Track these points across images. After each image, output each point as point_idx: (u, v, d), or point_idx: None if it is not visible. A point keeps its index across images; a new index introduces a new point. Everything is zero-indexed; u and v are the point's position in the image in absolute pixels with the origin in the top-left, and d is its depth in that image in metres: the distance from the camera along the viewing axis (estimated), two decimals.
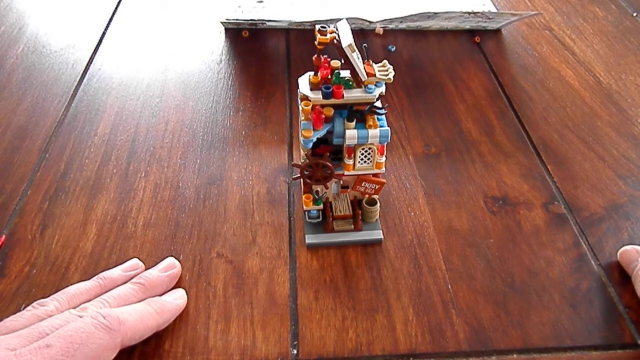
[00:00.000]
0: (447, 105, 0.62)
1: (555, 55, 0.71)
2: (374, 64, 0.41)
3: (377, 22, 0.70)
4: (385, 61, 0.42)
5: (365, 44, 0.41)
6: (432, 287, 0.43)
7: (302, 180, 0.45)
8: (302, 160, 0.44)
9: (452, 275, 0.44)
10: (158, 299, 0.40)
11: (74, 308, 0.37)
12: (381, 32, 0.45)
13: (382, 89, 0.41)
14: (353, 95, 0.41)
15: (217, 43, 0.72)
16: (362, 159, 0.43)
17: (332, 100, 0.41)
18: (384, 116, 0.42)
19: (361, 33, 0.74)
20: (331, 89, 0.40)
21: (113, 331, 0.35)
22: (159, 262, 0.43)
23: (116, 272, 0.42)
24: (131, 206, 0.50)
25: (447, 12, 0.69)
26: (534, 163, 0.55)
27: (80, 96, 0.62)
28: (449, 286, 0.44)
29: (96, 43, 0.72)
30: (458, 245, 0.47)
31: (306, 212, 0.47)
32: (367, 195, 0.46)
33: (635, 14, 0.80)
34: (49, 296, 0.38)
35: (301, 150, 0.43)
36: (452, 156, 0.56)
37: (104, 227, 0.48)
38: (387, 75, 0.41)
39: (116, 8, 0.79)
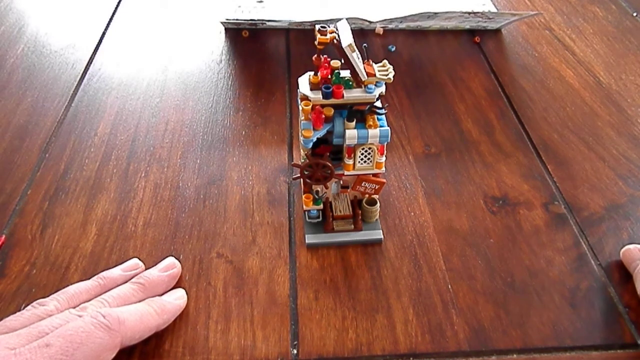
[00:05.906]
0: (447, 105, 0.62)
1: (555, 55, 0.71)
2: (374, 64, 0.41)
3: (377, 22, 0.70)
4: (385, 61, 0.42)
5: (365, 44, 0.41)
6: (432, 287, 0.43)
7: (302, 180, 0.45)
8: (302, 160, 0.44)
9: (452, 275, 0.44)
10: (158, 299, 0.40)
11: (74, 308, 0.37)
12: (381, 32, 0.45)
13: (382, 89, 0.41)
14: (353, 95, 0.41)
15: (217, 43, 0.72)
16: (362, 159, 0.43)
17: (332, 100, 0.41)
18: (384, 116, 0.42)
19: (361, 33, 0.74)
20: (331, 89, 0.40)
21: (113, 331, 0.35)
22: (159, 262, 0.43)
23: (116, 272, 0.42)
24: (131, 206, 0.50)
25: (447, 12, 0.69)
26: (534, 163, 0.55)
27: (80, 96, 0.62)
28: (449, 286, 0.44)
29: (96, 43, 0.72)
30: (458, 245, 0.47)
31: (306, 212, 0.47)
32: (367, 195, 0.46)
33: (635, 14, 0.80)
34: (48, 296, 0.38)
35: (301, 150, 0.43)
36: (452, 156, 0.55)
37: (104, 227, 0.48)
38: (387, 75, 0.41)
39: (116, 8, 0.80)
